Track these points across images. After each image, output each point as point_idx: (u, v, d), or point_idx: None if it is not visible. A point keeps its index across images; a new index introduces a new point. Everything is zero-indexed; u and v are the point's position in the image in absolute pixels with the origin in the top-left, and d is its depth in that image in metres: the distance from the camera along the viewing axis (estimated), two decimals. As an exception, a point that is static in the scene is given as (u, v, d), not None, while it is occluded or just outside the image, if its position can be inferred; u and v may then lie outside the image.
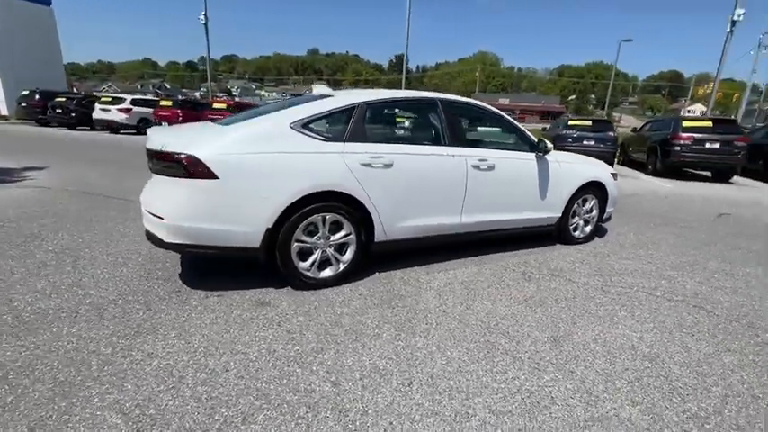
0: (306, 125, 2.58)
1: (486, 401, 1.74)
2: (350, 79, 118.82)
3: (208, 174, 2.26)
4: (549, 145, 3.49)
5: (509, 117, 3.56)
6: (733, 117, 16.22)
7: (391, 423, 1.58)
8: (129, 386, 1.71)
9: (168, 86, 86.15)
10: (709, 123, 9.84)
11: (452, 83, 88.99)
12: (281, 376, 1.83)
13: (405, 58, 24.28)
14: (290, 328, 2.24)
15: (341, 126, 2.71)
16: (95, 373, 1.77)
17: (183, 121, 15.11)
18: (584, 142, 10.36)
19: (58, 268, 2.81)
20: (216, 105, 14.78)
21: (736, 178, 10.54)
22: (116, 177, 6.29)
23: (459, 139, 3.12)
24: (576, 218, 3.98)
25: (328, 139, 2.61)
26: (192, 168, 2.24)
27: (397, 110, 3.31)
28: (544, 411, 1.70)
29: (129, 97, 15.65)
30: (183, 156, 2.23)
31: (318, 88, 3.37)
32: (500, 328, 2.37)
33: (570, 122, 11.06)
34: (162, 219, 2.32)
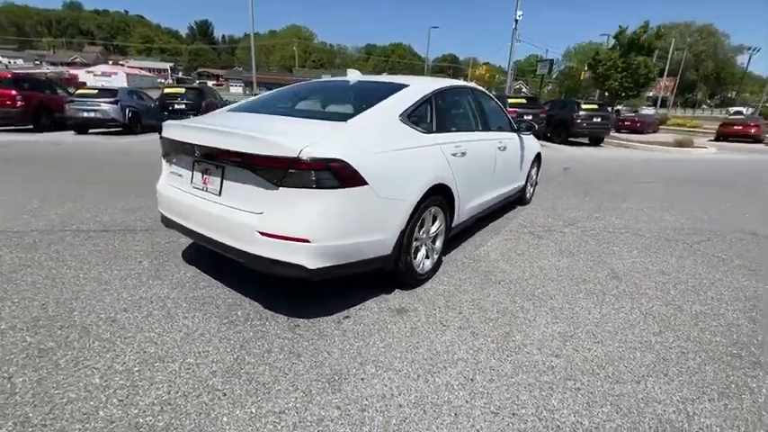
0: (408, 117, 2.42)
1: (644, 330, 2.28)
2: (137, 46, 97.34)
3: (359, 180, 1.92)
4: (534, 127, 4.20)
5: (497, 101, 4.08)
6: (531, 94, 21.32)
7: (624, 366, 1.94)
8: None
9: None
10: (524, 100, 13.01)
11: (269, 56, 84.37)
12: (518, 367, 1.90)
13: (251, 21, 21.49)
14: (459, 324, 2.23)
15: (425, 116, 2.64)
16: (366, 438, 1.45)
17: None
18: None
19: (95, 350, 1.83)
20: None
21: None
22: None
23: (486, 124, 3.45)
24: (528, 183, 4.94)
25: (424, 131, 2.53)
26: (345, 176, 1.86)
27: (449, 98, 3.32)
28: (674, 322, 2.37)
29: None
30: (334, 162, 1.82)
31: (353, 74, 3.06)
32: (577, 277, 2.95)
33: None
34: (308, 242, 1.85)
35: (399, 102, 2.43)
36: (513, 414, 1.61)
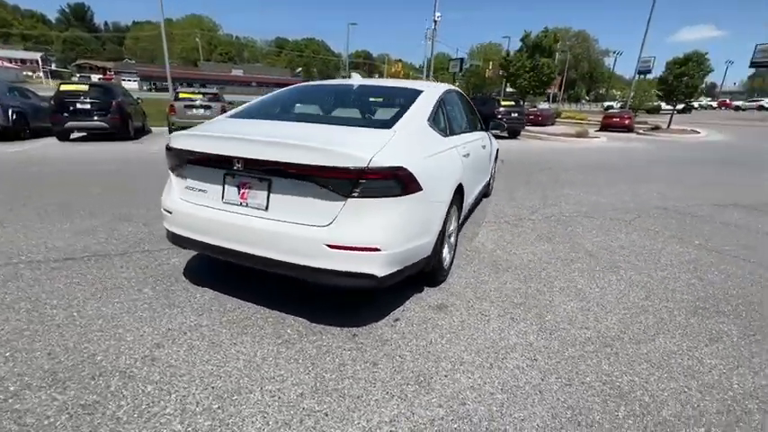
0: (433, 121, 2.52)
1: (635, 297, 2.73)
2: (-11, 31, 80.00)
3: (417, 186, 1.98)
4: (504, 126, 4.57)
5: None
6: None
7: (637, 328, 2.33)
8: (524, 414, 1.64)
9: None
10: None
11: (169, 48, 76.11)
12: (563, 342, 2.16)
13: (160, 6, 18.90)
14: (497, 312, 2.43)
15: (440, 120, 2.75)
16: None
17: None
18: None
19: (153, 395, 1.60)
20: None
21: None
22: None
23: (471, 124, 3.70)
24: (491, 177, 5.37)
25: (443, 134, 2.65)
26: (408, 183, 1.90)
27: (449, 101, 3.42)
28: (651, 287, 2.86)
29: None
30: (398, 170, 1.85)
31: (355, 77, 3.04)
32: (563, 258, 3.36)
33: None
34: (378, 250, 1.85)
35: (424, 106, 2.52)
36: (582, 383, 1.85)
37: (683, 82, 21.10)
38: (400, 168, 1.87)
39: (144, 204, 4.31)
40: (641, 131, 22.36)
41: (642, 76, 31.40)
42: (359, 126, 2.25)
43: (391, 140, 2.00)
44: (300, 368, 1.84)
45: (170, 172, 2.28)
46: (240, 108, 2.75)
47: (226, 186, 2.06)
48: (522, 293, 2.69)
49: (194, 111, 10.56)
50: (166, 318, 2.18)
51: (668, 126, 22.72)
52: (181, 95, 10.86)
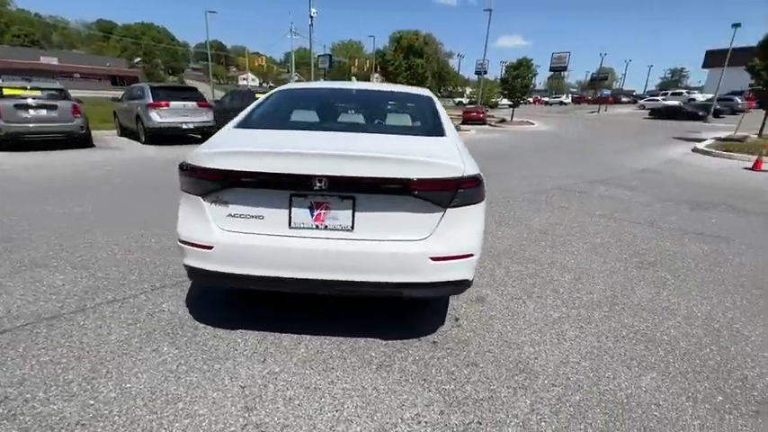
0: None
1: (598, 262, 3.40)
2: None
3: (485, 190, 2.08)
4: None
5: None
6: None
7: (620, 287, 2.94)
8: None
9: None
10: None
11: None
12: (588, 309, 2.59)
13: None
14: (524, 295, 2.73)
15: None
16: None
17: None
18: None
19: (273, 475, 1.30)
20: None
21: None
22: None
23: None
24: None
25: (456, 138, 2.78)
26: (482, 189, 1.99)
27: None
28: (600, 251, 3.60)
29: None
30: (478, 177, 1.91)
31: (355, 82, 2.88)
32: (528, 238, 3.92)
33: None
34: (472, 255, 1.89)
35: (444, 111, 2.61)
36: (623, 337, 2.28)
37: (518, 82, 25.79)
38: (479, 175, 1.95)
39: (44, 241, 3.26)
40: (492, 124, 26.46)
41: (482, 76, 37.18)
42: (413, 135, 2.22)
43: (458, 148, 2.06)
44: (418, 387, 1.78)
45: (199, 199, 1.83)
46: (242, 117, 2.34)
47: (293, 209, 1.79)
48: (528, 274, 3.08)
49: (31, 112, 8.09)
50: (225, 374, 1.79)
51: (511, 119, 27.50)
52: (6, 92, 8.18)
